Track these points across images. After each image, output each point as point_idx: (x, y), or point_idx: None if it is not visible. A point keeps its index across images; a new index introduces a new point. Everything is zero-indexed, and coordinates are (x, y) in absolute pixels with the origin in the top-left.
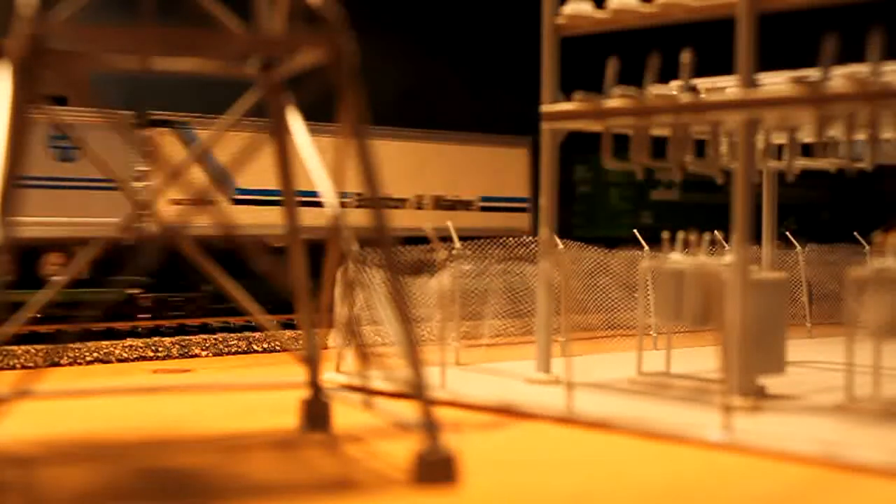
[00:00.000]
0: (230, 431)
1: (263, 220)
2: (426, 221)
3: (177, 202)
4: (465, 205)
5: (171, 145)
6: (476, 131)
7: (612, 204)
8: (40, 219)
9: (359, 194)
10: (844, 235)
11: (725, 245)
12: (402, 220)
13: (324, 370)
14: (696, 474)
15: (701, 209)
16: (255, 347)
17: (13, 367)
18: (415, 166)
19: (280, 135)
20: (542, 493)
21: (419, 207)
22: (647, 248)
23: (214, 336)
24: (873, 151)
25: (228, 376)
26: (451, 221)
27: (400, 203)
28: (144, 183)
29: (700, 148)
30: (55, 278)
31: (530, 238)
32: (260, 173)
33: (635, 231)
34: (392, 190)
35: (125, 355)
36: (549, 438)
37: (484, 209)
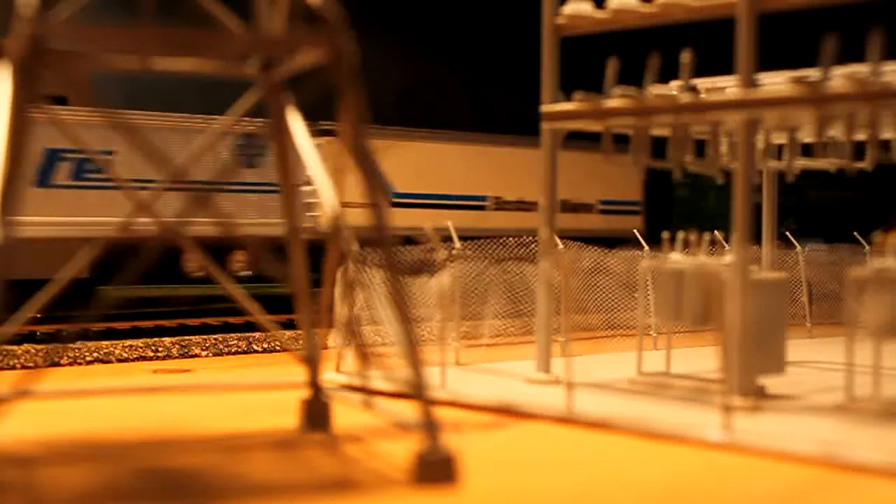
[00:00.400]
0: (230, 431)
1: (416, 221)
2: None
3: (344, 204)
4: (587, 208)
5: (338, 153)
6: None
7: (710, 206)
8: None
9: (498, 198)
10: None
11: (725, 245)
12: (530, 221)
13: (324, 370)
14: (696, 474)
15: (790, 211)
16: (255, 347)
17: (13, 367)
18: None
19: (280, 135)
20: (542, 493)
21: (584, 210)
22: (646, 247)
23: (214, 336)
24: (873, 151)
25: (228, 376)
26: (572, 223)
27: (532, 206)
28: (312, 187)
29: (700, 148)
30: (242, 274)
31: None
32: (414, 180)
33: (635, 231)
34: (526, 194)
35: (125, 355)
36: (549, 438)
37: (603, 212)
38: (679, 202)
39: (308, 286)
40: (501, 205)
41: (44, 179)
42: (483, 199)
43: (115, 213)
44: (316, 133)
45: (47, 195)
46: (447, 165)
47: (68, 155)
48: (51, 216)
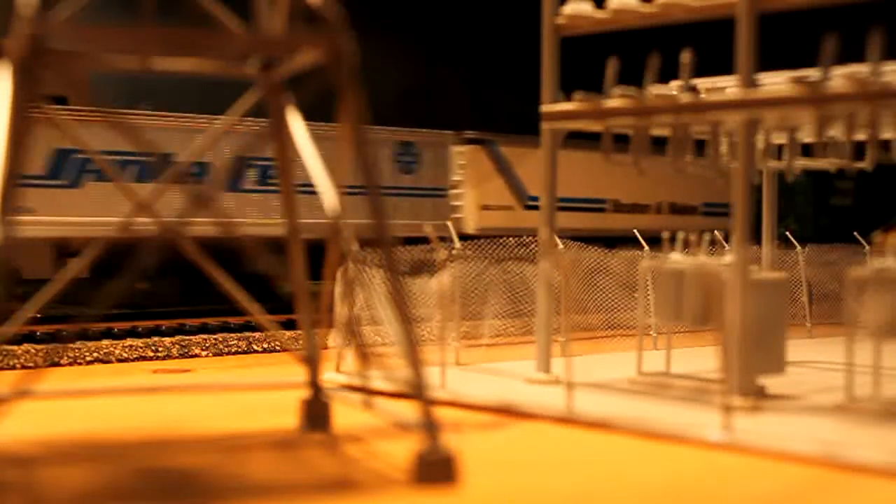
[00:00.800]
0: (230, 431)
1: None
2: (663, 224)
3: (485, 207)
4: (692, 210)
5: (481, 160)
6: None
7: (799, 209)
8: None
9: (616, 201)
10: None
11: (725, 245)
12: (644, 222)
13: (324, 370)
14: (696, 474)
15: (870, 213)
16: (255, 347)
17: (13, 367)
18: (655, 177)
19: (280, 135)
20: (542, 493)
21: (658, 212)
22: (647, 247)
23: (214, 336)
24: (873, 151)
25: (228, 376)
26: (680, 223)
27: (644, 208)
28: (459, 191)
29: (700, 148)
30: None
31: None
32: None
33: (635, 231)
34: (638, 197)
35: (125, 355)
36: (549, 438)
37: (706, 214)
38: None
39: (309, 286)
40: (619, 207)
41: (235, 184)
42: (603, 202)
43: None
44: (461, 142)
45: (237, 198)
46: (573, 171)
47: (256, 162)
48: (241, 217)
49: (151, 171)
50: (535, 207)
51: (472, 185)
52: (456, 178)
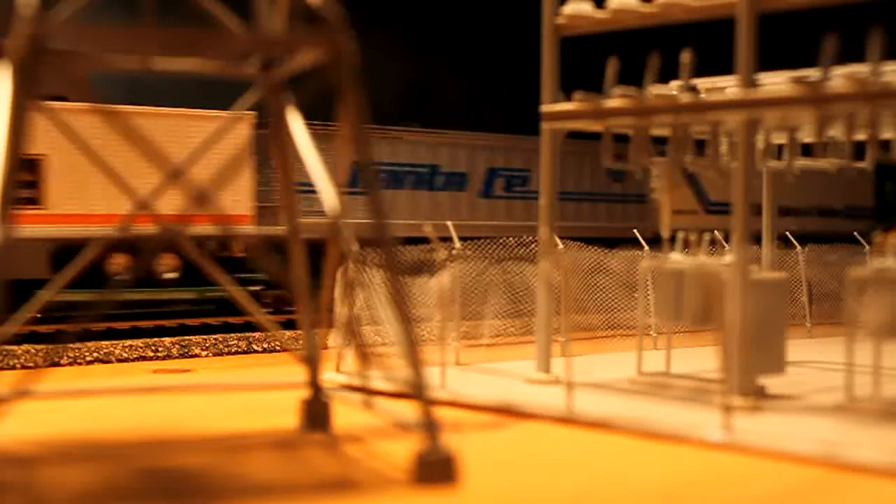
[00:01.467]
0: (230, 431)
1: (724, 225)
2: (809, 226)
3: (676, 212)
4: (832, 213)
5: (672, 169)
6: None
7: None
8: (595, 224)
9: (727, 203)
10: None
11: (725, 245)
12: (793, 224)
13: (324, 370)
14: (696, 474)
15: None
16: (255, 347)
17: (13, 367)
18: (804, 182)
19: (280, 135)
20: (542, 493)
21: (807, 215)
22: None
23: (214, 336)
24: (873, 151)
25: (228, 376)
26: (823, 225)
27: (795, 211)
28: (655, 197)
29: (700, 148)
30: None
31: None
32: (721, 190)
33: (635, 230)
34: (789, 201)
35: (125, 355)
36: (549, 438)
37: (846, 216)
38: (891, 208)
39: (310, 286)
40: (785, 211)
41: (487, 191)
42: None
43: (531, 217)
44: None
45: (489, 204)
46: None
47: (503, 172)
48: (491, 220)
49: (427, 182)
50: (716, 212)
51: (664, 192)
52: (652, 185)
